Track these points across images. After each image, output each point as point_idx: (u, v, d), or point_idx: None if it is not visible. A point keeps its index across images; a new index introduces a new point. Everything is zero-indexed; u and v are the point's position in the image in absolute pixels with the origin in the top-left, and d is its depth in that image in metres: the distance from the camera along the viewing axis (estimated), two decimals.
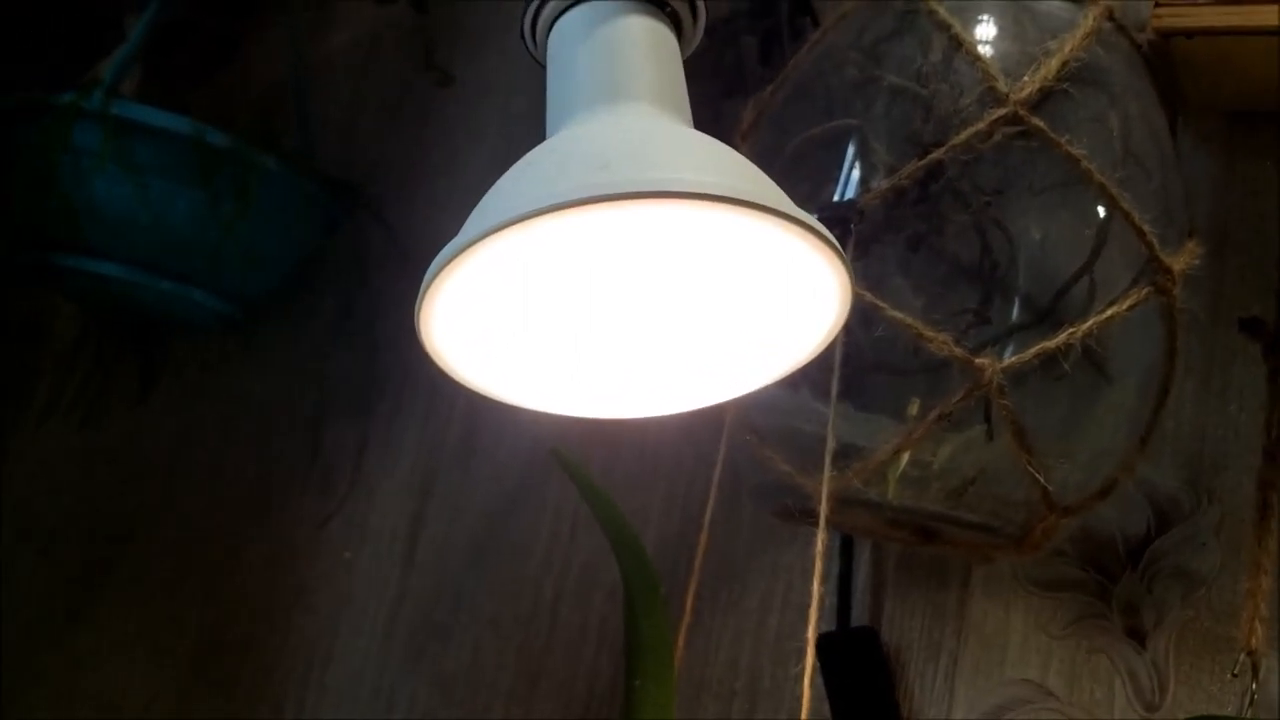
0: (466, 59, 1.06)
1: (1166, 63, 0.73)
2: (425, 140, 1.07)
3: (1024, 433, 0.63)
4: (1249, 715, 0.70)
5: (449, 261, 0.40)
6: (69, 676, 1.06)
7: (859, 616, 0.84)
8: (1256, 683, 0.70)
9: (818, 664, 0.82)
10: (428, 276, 0.41)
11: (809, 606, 0.63)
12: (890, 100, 0.73)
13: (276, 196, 0.94)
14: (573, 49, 0.47)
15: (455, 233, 1.12)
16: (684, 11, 0.49)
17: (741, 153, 0.74)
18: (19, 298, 1.07)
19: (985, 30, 0.72)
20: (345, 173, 1.06)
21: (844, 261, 0.41)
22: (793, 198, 0.74)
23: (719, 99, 0.94)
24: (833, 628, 0.83)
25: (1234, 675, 0.71)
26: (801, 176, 0.75)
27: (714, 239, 0.43)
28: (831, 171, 0.73)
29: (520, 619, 0.94)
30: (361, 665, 0.98)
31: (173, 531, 1.07)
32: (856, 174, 0.72)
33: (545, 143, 0.44)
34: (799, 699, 0.61)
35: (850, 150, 0.72)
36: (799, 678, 0.68)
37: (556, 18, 0.48)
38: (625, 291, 0.46)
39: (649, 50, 0.46)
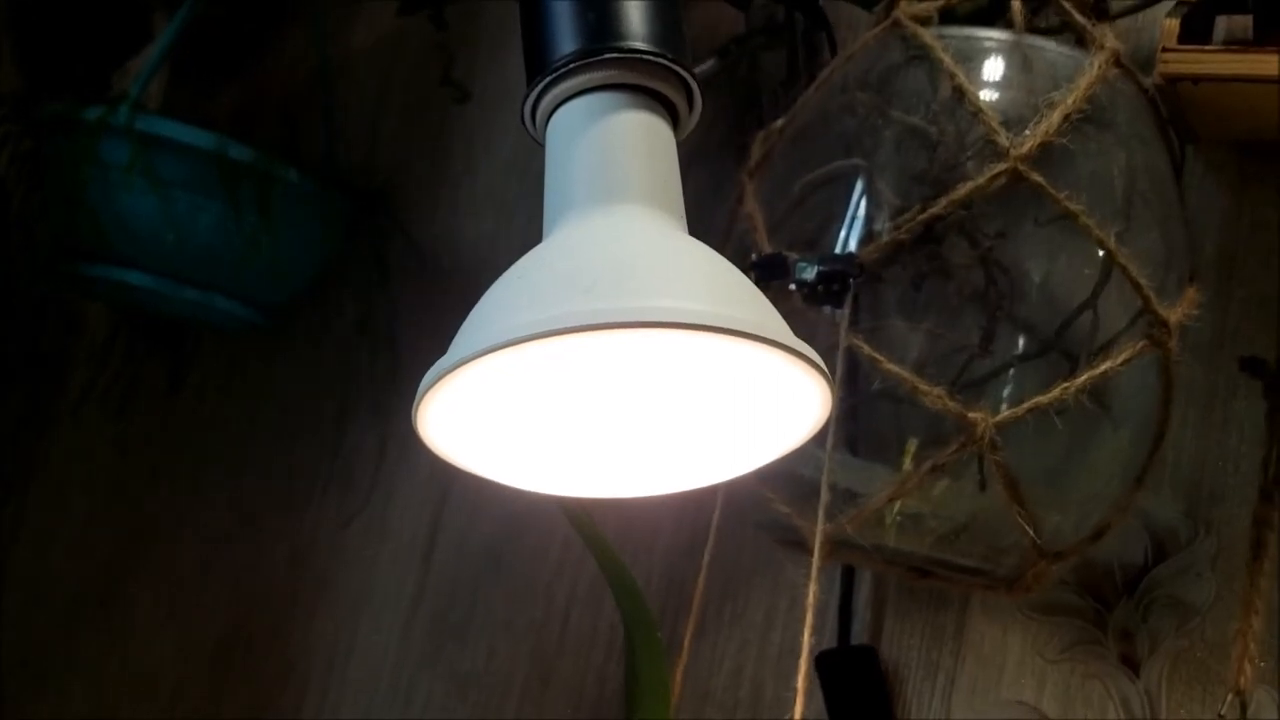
0: (485, 64, 1.07)
1: (1174, 103, 0.73)
2: (445, 144, 1.08)
3: (1016, 484, 0.65)
4: None
5: (439, 378, 0.42)
6: (103, 659, 1.11)
7: (859, 634, 0.86)
8: None
9: (817, 679, 0.84)
10: (421, 389, 0.43)
11: (807, 635, 0.65)
12: (898, 138, 0.74)
13: (299, 208, 0.96)
14: (568, 144, 0.48)
15: (474, 238, 1.13)
16: (680, 101, 0.50)
17: (749, 189, 0.76)
18: (54, 295, 1.09)
19: (992, 71, 0.72)
20: (366, 175, 1.07)
21: (825, 376, 0.43)
22: (799, 236, 0.76)
23: (734, 117, 0.95)
24: (834, 644, 0.85)
25: (1222, 715, 0.73)
26: (808, 213, 0.76)
27: (700, 346, 0.44)
28: (837, 209, 0.74)
29: (534, 622, 0.97)
30: (381, 661, 1.01)
31: (200, 523, 1.10)
32: (862, 213, 0.73)
33: (537, 251, 0.45)
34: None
35: (856, 190, 0.73)
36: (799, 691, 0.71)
37: (554, 110, 0.49)
38: (618, 388, 0.48)
39: (643, 149, 0.47)
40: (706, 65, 0.89)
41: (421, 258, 1.04)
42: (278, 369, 1.10)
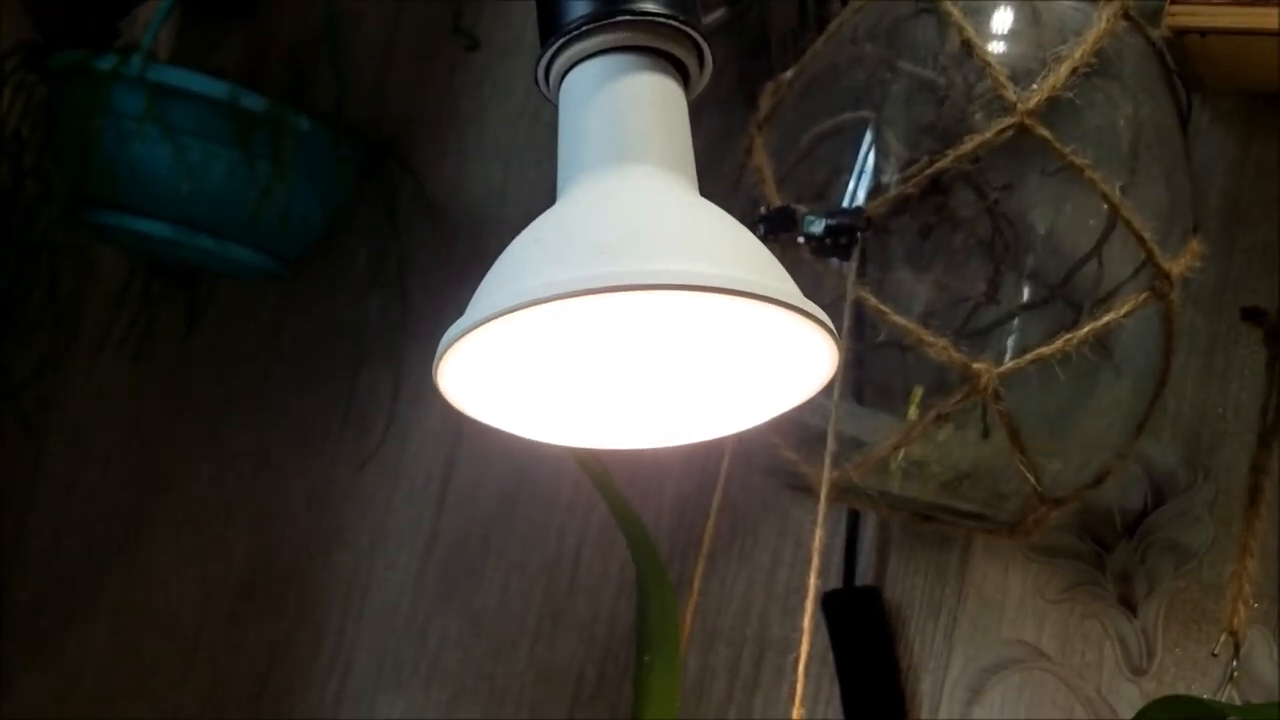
0: (493, 11, 1.07)
1: (1181, 55, 0.74)
2: (454, 92, 1.08)
3: (1018, 433, 0.66)
4: (1229, 692, 0.74)
5: (459, 337, 0.43)
6: (125, 598, 1.13)
7: (863, 574, 0.88)
8: (1237, 661, 0.74)
9: (823, 619, 0.87)
10: (441, 347, 0.44)
11: (814, 578, 0.67)
12: (906, 89, 0.74)
13: (311, 157, 0.96)
14: (581, 105, 0.49)
15: (482, 186, 1.13)
16: (690, 62, 0.51)
17: (758, 141, 0.77)
18: (70, 241, 1.10)
19: (1000, 24, 0.73)
20: (375, 122, 1.08)
21: (833, 335, 0.44)
22: (807, 187, 0.76)
23: (743, 63, 0.95)
24: (839, 585, 0.88)
25: (1215, 654, 0.75)
26: (816, 164, 0.77)
27: (712, 304, 0.45)
28: (846, 160, 0.75)
29: (546, 561, 0.99)
30: (397, 599, 1.04)
31: (219, 464, 1.12)
32: (870, 165, 0.74)
33: (552, 211, 0.46)
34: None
35: (865, 142, 0.74)
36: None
37: (566, 71, 0.50)
38: (631, 343, 0.49)
39: (655, 110, 0.48)
40: (718, 14, 0.89)
41: (431, 205, 1.05)
42: (292, 314, 1.11)
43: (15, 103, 0.96)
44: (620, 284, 0.40)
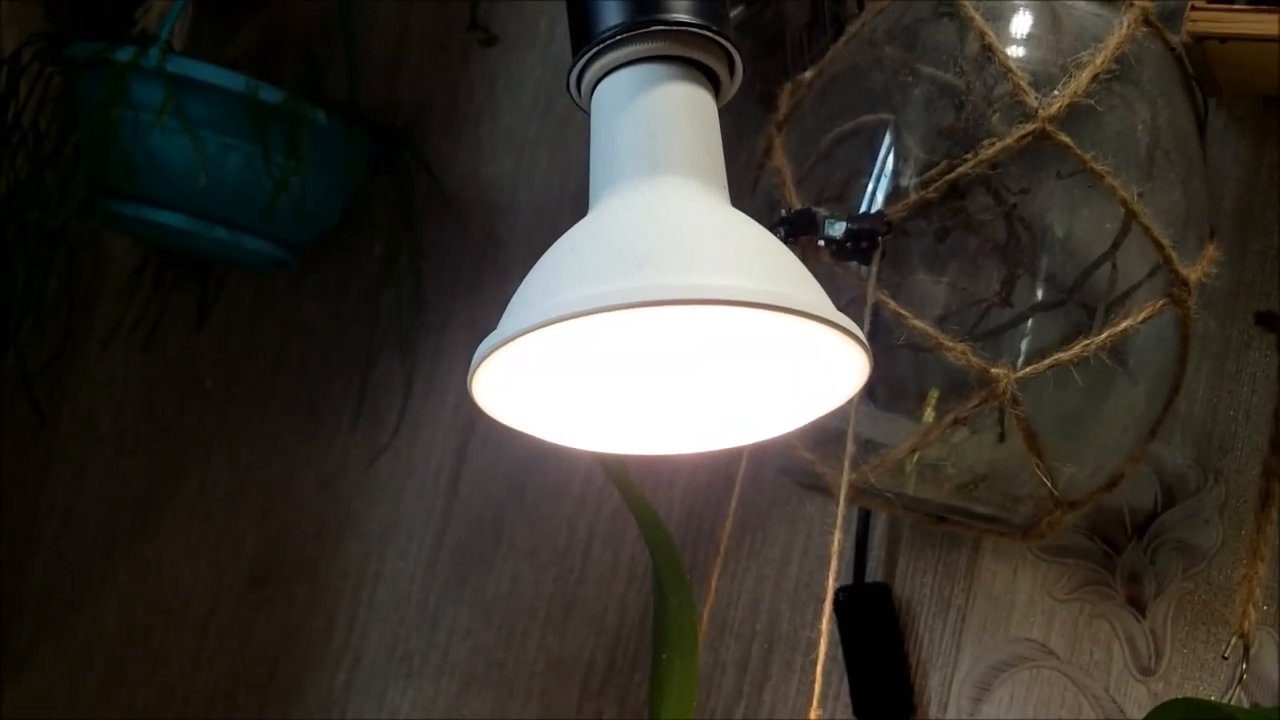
0: (508, 4, 1.07)
1: (1200, 60, 0.74)
2: (466, 84, 1.08)
3: (1035, 437, 0.67)
4: (1237, 694, 0.74)
5: (498, 347, 0.44)
6: (135, 586, 1.14)
7: (873, 571, 0.89)
8: (1247, 663, 0.75)
9: (833, 615, 0.87)
10: (477, 356, 0.45)
11: (829, 569, 0.68)
12: (926, 93, 0.75)
13: (326, 148, 0.96)
14: (614, 115, 0.49)
15: (495, 178, 1.13)
16: (722, 71, 0.51)
17: (778, 143, 0.77)
18: (83, 229, 1.10)
19: (1020, 28, 0.73)
20: (387, 114, 1.08)
21: (865, 348, 0.44)
22: (825, 189, 0.77)
23: (759, 59, 0.95)
24: (849, 582, 0.88)
25: (1225, 657, 0.76)
26: (835, 166, 0.77)
27: (746, 317, 0.46)
28: (864, 162, 0.75)
29: (556, 553, 1.00)
30: (408, 588, 1.04)
31: (230, 452, 1.13)
32: (889, 167, 0.74)
33: (586, 222, 0.47)
34: (815, 644, 0.67)
35: (884, 144, 0.74)
36: (814, 624, 0.73)
37: (599, 80, 0.50)
38: (662, 351, 0.49)
39: (688, 122, 0.49)
40: (735, 12, 0.89)
41: (444, 197, 1.06)
42: (304, 304, 1.11)
43: (32, 94, 0.96)
44: (658, 299, 0.41)
